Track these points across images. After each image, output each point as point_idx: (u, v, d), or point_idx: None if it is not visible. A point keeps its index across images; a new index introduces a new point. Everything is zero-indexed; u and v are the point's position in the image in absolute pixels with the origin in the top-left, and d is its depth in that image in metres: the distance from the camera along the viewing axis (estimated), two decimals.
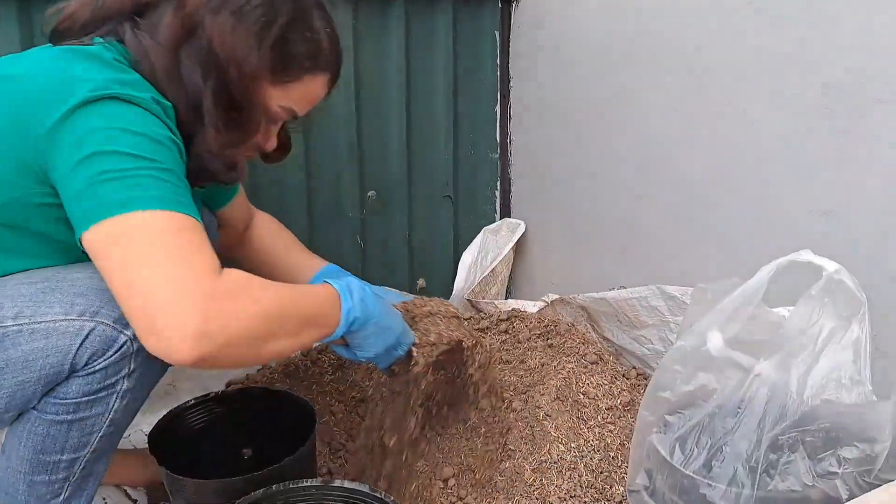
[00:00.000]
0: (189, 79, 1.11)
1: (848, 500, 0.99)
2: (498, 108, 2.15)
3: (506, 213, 2.22)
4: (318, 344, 1.15)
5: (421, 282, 2.17)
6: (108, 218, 0.96)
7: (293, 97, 1.20)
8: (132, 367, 1.11)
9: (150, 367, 1.14)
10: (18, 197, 1.06)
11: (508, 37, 2.10)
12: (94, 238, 0.97)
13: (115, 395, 1.12)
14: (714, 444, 1.11)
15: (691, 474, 1.09)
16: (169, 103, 1.09)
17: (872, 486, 0.99)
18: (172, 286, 0.93)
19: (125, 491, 1.49)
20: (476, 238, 2.16)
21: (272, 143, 1.27)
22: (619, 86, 1.80)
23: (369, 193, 2.01)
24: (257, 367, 1.80)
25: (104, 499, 1.45)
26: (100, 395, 1.11)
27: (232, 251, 1.59)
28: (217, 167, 1.17)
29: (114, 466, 1.51)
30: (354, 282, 1.19)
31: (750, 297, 1.10)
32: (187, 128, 1.12)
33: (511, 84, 2.13)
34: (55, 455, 1.13)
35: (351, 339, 1.19)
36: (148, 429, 1.66)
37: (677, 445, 1.13)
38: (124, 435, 1.66)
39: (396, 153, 2.02)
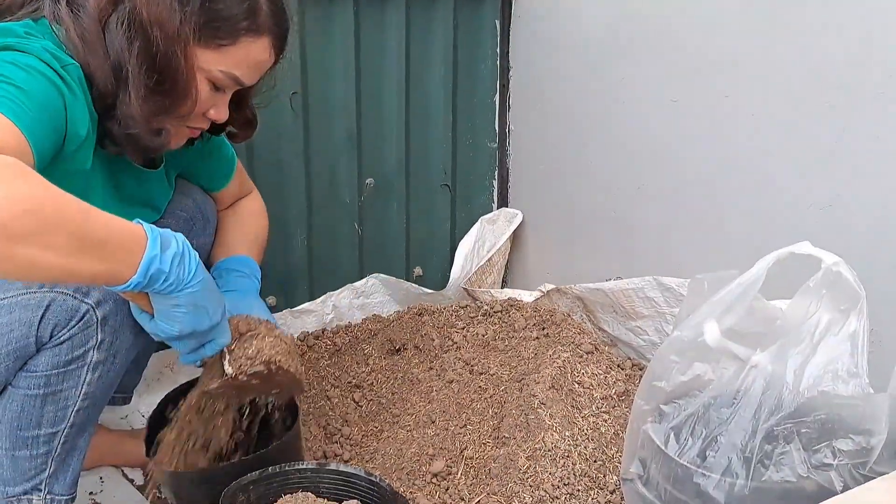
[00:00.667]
0: (113, 45, 1.10)
1: (842, 491, 1.00)
2: (497, 98, 2.15)
3: (503, 202, 2.23)
4: (110, 289, 1.01)
5: (418, 270, 2.17)
6: None
7: (232, 62, 1.17)
8: (100, 337, 1.11)
9: (121, 338, 1.14)
10: None
11: (509, 26, 2.09)
12: None
13: (85, 368, 1.12)
14: (709, 434, 1.11)
15: (686, 464, 1.10)
16: (70, 60, 1.07)
17: (867, 479, 1.00)
18: None
19: (122, 471, 1.49)
20: (473, 227, 2.16)
21: (222, 114, 1.23)
22: (618, 77, 1.80)
23: (367, 181, 2.01)
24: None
25: (101, 478, 1.45)
26: (69, 367, 1.11)
27: None
28: (142, 133, 1.14)
29: (110, 447, 1.51)
30: (179, 237, 1.01)
31: (747, 288, 1.11)
32: (110, 98, 1.10)
33: (511, 73, 2.12)
34: (33, 430, 1.14)
35: (157, 302, 1.03)
36: (145, 409, 1.68)
37: (672, 435, 1.14)
38: (121, 416, 1.67)
39: (395, 141, 2.02)
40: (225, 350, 1.18)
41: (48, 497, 1.18)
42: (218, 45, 1.15)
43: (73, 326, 1.09)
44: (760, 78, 1.50)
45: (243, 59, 1.18)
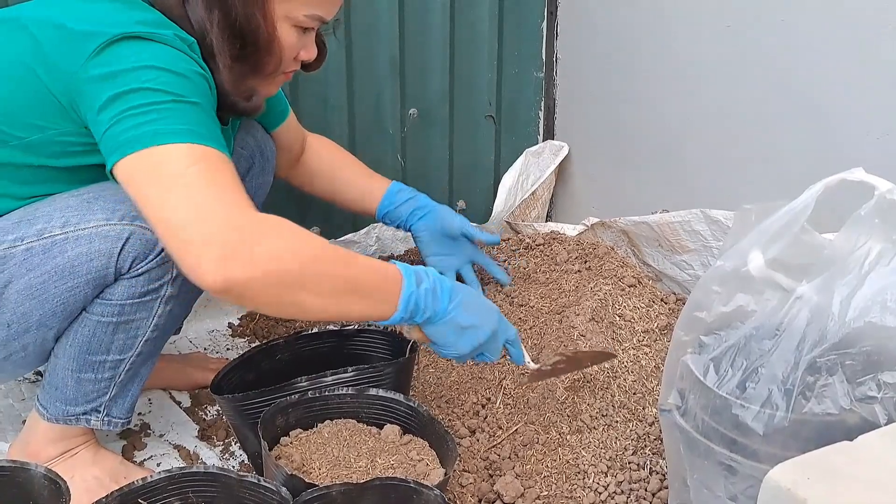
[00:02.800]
0: (195, 15, 1.11)
1: (886, 424, 0.98)
2: (545, 25, 2.09)
3: (549, 134, 2.18)
4: (380, 323, 1.13)
5: (461, 203, 2.15)
6: (139, 150, 0.98)
7: (315, 2, 1.17)
8: (175, 272, 1.14)
9: None
10: (49, 136, 1.09)
11: None
12: (125, 169, 0.99)
13: (159, 300, 1.16)
14: (749, 365, 1.09)
15: (725, 395, 1.08)
16: (192, 38, 1.09)
17: None
18: (200, 213, 0.95)
19: (170, 393, 1.54)
20: (517, 160, 2.13)
21: (312, 52, 1.25)
22: (670, 2, 1.73)
23: (410, 111, 1.99)
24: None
25: (150, 400, 1.50)
26: (144, 298, 1.14)
27: (290, 176, 1.61)
28: (234, 99, 1.16)
29: (158, 371, 1.56)
30: (431, 273, 1.14)
31: (795, 217, 1.07)
32: (208, 63, 1.12)
33: (559, 0, 2.06)
34: (101, 355, 1.18)
35: (428, 333, 1.16)
36: (193, 336, 1.72)
37: (711, 366, 1.12)
38: (169, 341, 1.72)
39: (439, 71, 1.98)
40: (523, 352, 1.29)
41: (106, 419, 1.23)
42: None
43: (152, 260, 1.12)
44: (819, 3, 1.42)
45: None
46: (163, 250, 1.11)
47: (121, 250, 1.09)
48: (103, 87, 1.00)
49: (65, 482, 1.00)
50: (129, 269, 1.11)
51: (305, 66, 1.34)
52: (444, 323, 1.14)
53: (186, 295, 1.20)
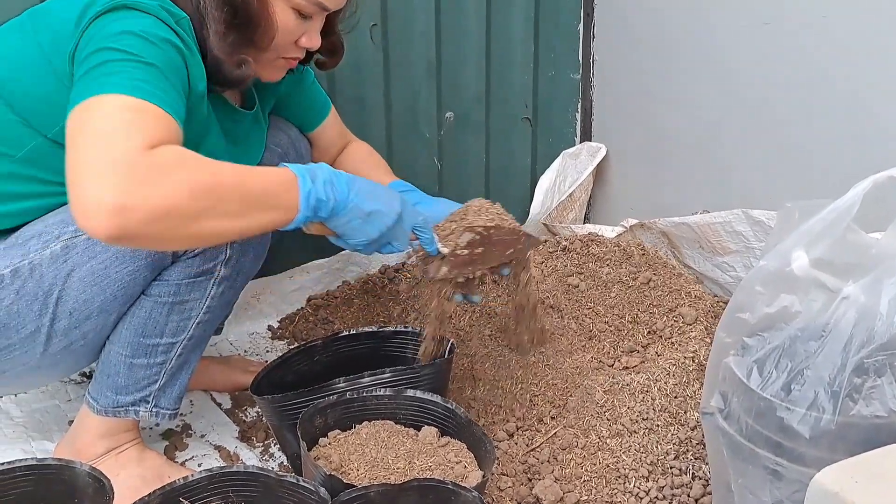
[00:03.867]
0: None
1: None
2: (581, 27, 2.08)
3: (586, 136, 2.17)
4: (284, 229, 1.07)
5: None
6: (80, 102, 0.96)
7: None
8: (228, 253, 1.19)
9: (245, 257, 1.22)
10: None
11: None
12: (69, 122, 0.96)
13: (212, 281, 1.20)
14: (795, 367, 1.07)
15: (769, 397, 1.06)
16: (183, 13, 1.10)
17: None
18: (100, 157, 0.90)
19: (211, 395, 1.55)
20: (554, 162, 2.12)
21: (314, 40, 1.24)
22: (705, 1, 1.71)
23: (447, 115, 1.99)
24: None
25: (191, 401, 1.52)
26: (199, 279, 1.18)
27: None
28: (225, 67, 1.16)
29: (200, 372, 1.58)
30: (323, 167, 1.10)
31: (840, 215, 1.04)
32: (201, 35, 1.13)
33: (596, 1, 2.04)
34: (155, 338, 1.20)
35: (332, 226, 1.11)
36: (234, 338, 1.74)
37: (755, 368, 1.10)
38: (210, 343, 1.74)
39: (475, 72, 1.98)
40: (434, 236, 1.21)
41: (154, 409, 1.25)
42: None
43: None
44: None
45: None
46: None
47: None
48: (82, 56, 1.02)
49: (108, 480, 1.01)
50: (185, 250, 1.15)
51: (319, 64, 1.34)
52: (348, 211, 1.10)
53: (237, 277, 1.23)
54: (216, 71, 1.16)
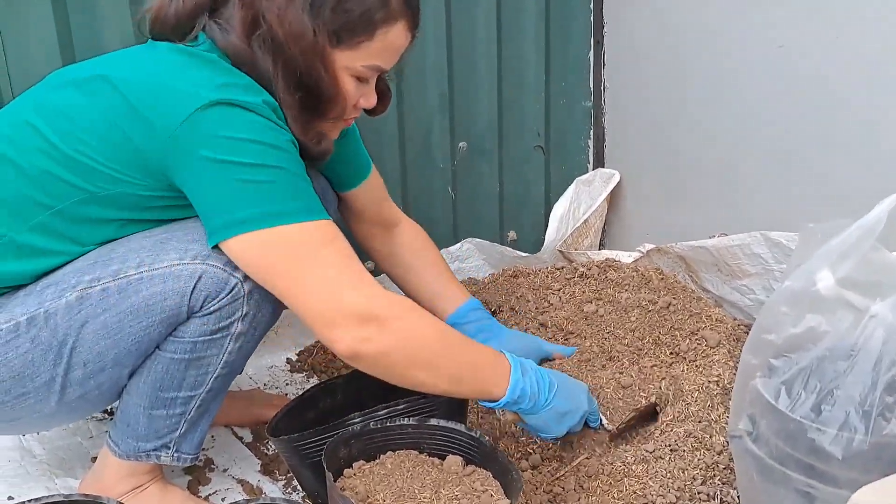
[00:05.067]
0: (262, 67, 1.13)
1: None
2: (591, 55, 2.10)
3: (599, 162, 2.18)
4: (480, 403, 1.22)
5: (511, 234, 2.15)
6: (261, 229, 1.05)
7: (372, 54, 1.18)
8: (245, 310, 1.16)
9: (263, 311, 1.19)
10: (126, 190, 1.12)
11: None
12: (244, 248, 1.07)
13: (229, 338, 1.17)
14: (824, 387, 1.06)
15: (799, 419, 1.05)
16: (275, 102, 1.12)
17: None
18: (337, 295, 1.07)
19: (232, 429, 1.55)
20: (568, 189, 2.13)
21: (372, 100, 1.25)
22: (720, 24, 1.72)
23: (460, 144, 2.00)
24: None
25: (213, 436, 1.51)
26: (215, 336, 1.16)
27: (366, 243, 1.58)
28: (307, 147, 1.18)
29: (223, 408, 1.57)
30: (534, 365, 1.23)
31: (865, 233, 1.04)
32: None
33: (605, 29, 2.06)
34: (173, 392, 1.19)
35: (528, 420, 1.24)
36: (252, 372, 1.74)
37: (783, 389, 1.09)
38: None
39: (487, 103, 2.00)
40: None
41: (175, 454, 1.24)
42: (356, 42, 1.16)
43: (223, 298, 1.13)
44: (874, 20, 1.40)
45: (383, 48, 1.19)
46: (233, 289, 1.12)
47: (193, 289, 1.11)
48: (198, 155, 1.05)
49: None
50: (202, 307, 1.13)
51: (370, 111, 1.34)
52: (546, 412, 1.23)
53: (255, 332, 1.21)
54: (300, 152, 1.16)
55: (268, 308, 1.19)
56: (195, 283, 1.11)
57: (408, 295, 1.55)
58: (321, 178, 1.47)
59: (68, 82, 1.15)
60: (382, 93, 1.32)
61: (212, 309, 1.13)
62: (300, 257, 1.07)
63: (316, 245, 1.08)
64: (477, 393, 1.19)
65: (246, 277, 1.12)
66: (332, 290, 1.07)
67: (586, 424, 1.35)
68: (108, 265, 1.13)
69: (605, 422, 1.38)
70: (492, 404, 1.19)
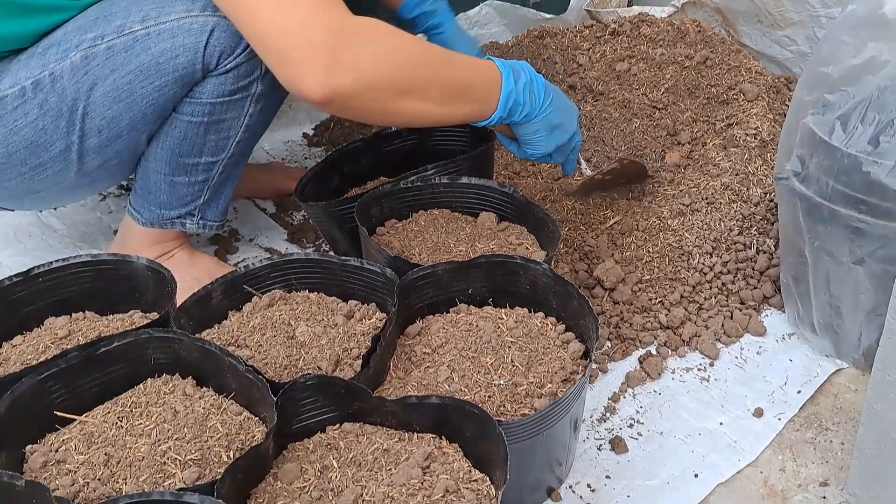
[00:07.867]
0: None
1: None
2: None
3: None
4: (473, 124, 1.08)
5: None
6: None
7: None
8: (264, 68, 1.08)
9: None
10: None
11: None
12: None
13: (249, 99, 1.11)
14: (883, 119, 1.00)
15: (854, 152, 1.00)
16: None
17: None
18: (300, 19, 0.89)
19: (254, 202, 1.52)
20: None
21: None
22: None
23: None
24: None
25: (234, 208, 1.48)
26: (234, 97, 1.10)
27: None
28: None
29: (241, 181, 1.54)
30: (524, 66, 1.08)
31: None
32: None
33: None
34: (193, 158, 1.15)
35: (517, 131, 1.11)
36: (269, 147, 1.68)
37: (838, 124, 1.03)
38: None
39: None
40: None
41: (201, 221, 1.22)
42: None
43: (240, 55, 1.06)
44: None
45: None
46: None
47: (206, 44, 1.03)
48: None
49: (168, 271, 0.99)
50: (217, 65, 1.06)
51: None
52: (539, 121, 1.09)
53: (276, 93, 1.13)
54: None
55: None
56: (207, 38, 1.03)
57: None
58: None
59: None
60: None
61: (228, 66, 1.06)
62: None
63: None
64: (469, 114, 1.04)
65: None
66: (293, 22, 0.90)
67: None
68: (111, 20, 1.05)
69: (584, 165, 1.31)
70: (484, 122, 1.06)
